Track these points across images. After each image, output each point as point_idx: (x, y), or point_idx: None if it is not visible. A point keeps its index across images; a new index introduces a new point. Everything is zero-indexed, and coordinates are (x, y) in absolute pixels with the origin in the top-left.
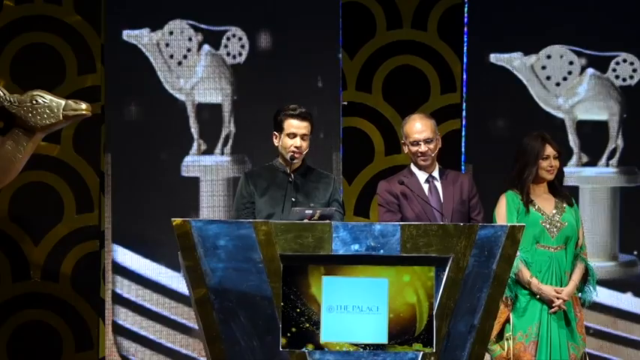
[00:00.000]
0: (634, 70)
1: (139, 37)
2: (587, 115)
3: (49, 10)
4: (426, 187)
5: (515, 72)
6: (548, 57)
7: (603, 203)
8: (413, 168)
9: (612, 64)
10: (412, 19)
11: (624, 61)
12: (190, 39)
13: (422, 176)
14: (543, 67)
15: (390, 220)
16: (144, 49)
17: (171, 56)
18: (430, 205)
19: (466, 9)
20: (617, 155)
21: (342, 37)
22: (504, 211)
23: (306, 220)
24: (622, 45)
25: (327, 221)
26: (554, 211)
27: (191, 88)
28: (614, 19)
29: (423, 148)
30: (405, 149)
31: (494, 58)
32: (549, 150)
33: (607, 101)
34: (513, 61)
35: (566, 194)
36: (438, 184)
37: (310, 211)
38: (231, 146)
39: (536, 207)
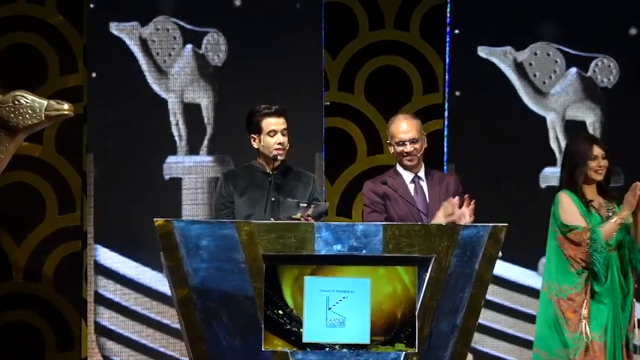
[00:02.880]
0: (611, 72)
1: (125, 29)
2: (575, 115)
3: (32, 11)
4: (411, 187)
5: (501, 68)
6: (535, 54)
7: None
8: (398, 168)
9: (592, 66)
10: (394, 19)
11: (602, 62)
12: (175, 38)
13: (407, 176)
14: (530, 64)
15: (375, 220)
16: (128, 41)
17: (155, 55)
18: (414, 206)
19: (448, 9)
20: None
21: (324, 37)
22: (574, 207)
23: (299, 214)
24: (599, 47)
25: (313, 222)
26: (609, 214)
27: (173, 88)
28: (592, 20)
29: (408, 148)
30: (391, 149)
31: (483, 51)
32: (597, 150)
33: (592, 101)
34: (503, 54)
35: (614, 194)
36: (424, 185)
37: (304, 205)
38: (214, 147)
39: (595, 208)
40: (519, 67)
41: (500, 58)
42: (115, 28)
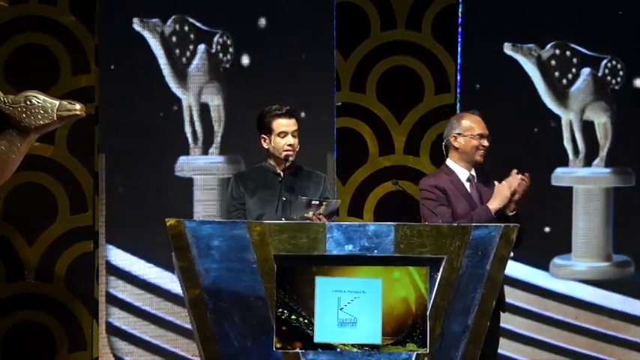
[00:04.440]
0: (620, 73)
1: (147, 25)
2: (591, 115)
3: (44, 11)
4: (467, 185)
5: (524, 66)
6: (555, 53)
7: (597, 204)
8: (451, 166)
9: (602, 66)
10: (406, 19)
11: (612, 63)
12: (186, 38)
13: (463, 174)
14: (551, 63)
15: (445, 212)
16: (148, 36)
17: (167, 56)
18: (474, 202)
19: (460, 9)
20: (605, 156)
21: (336, 37)
22: None
23: (311, 213)
24: (609, 48)
25: (325, 220)
26: None
27: (185, 89)
28: (600, 21)
29: (486, 142)
30: (457, 143)
31: (508, 47)
32: None
33: (605, 102)
34: (528, 52)
35: None
36: (478, 183)
37: (316, 202)
38: (226, 147)
39: None
40: (543, 66)
41: (525, 55)
42: (137, 24)
